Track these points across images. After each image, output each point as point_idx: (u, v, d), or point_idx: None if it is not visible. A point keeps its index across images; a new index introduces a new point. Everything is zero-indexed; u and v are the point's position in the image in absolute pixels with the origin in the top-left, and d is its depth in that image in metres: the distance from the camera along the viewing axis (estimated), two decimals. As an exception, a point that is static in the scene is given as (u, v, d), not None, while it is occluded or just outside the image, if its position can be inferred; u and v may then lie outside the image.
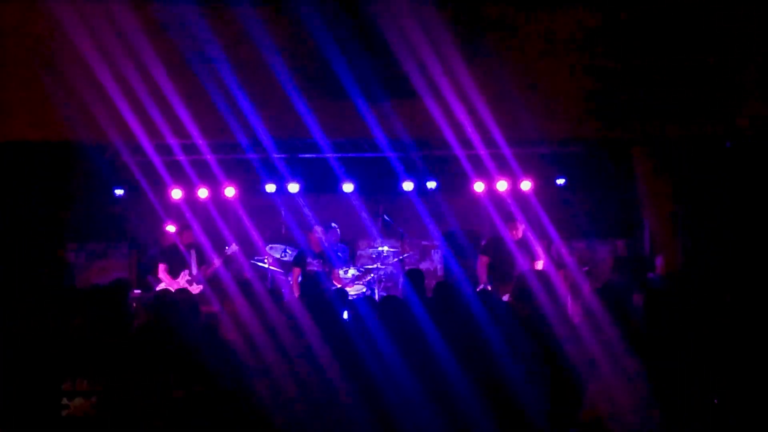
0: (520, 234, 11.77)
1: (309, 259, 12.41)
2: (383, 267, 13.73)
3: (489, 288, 11.36)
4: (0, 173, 8.50)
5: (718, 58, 8.53)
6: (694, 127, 8.67)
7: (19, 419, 5.72)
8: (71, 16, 8.10)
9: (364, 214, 14.26)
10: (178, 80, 8.43)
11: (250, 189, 13.57)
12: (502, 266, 11.57)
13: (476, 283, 11.64)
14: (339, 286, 12.24)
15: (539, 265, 11.59)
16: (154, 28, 8.23)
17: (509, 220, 11.93)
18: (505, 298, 9.40)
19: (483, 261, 11.83)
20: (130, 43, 8.20)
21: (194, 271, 12.12)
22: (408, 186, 13.62)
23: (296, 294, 12.13)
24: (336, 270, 12.58)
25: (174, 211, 13.21)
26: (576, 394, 6.07)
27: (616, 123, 8.64)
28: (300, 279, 12.40)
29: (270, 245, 13.88)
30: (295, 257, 12.74)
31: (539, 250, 11.77)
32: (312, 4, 8.24)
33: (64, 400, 5.68)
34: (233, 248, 12.35)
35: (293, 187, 13.37)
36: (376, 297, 13.03)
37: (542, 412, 6.02)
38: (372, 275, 13.37)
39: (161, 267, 12.12)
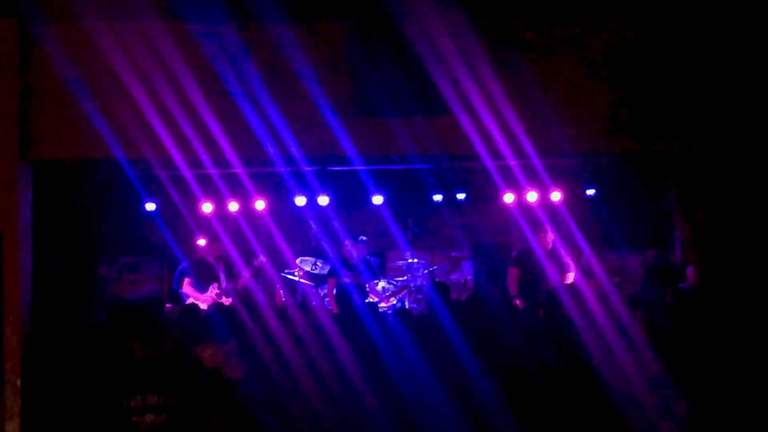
0: (549, 242, 11.76)
1: (343, 271, 12.45)
2: (413, 279, 13.75)
3: (519, 300, 11.36)
4: (35, 190, 8.56)
5: (748, 72, 8.49)
6: (726, 141, 8.63)
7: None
8: (106, 35, 8.18)
9: (393, 226, 14.29)
10: (210, 95, 8.48)
11: (280, 202, 13.62)
12: (532, 278, 11.56)
13: (507, 295, 11.64)
14: (374, 299, 12.29)
15: (570, 277, 11.57)
16: (188, 45, 8.29)
17: (538, 227, 11.92)
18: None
19: (513, 273, 11.82)
20: (163, 60, 8.26)
21: (223, 284, 12.19)
22: (437, 197, 13.63)
23: (332, 306, 12.17)
24: (371, 283, 12.62)
25: (205, 225, 13.29)
26: (606, 403, 6.07)
27: (646, 138, 8.61)
28: (335, 291, 12.44)
29: (300, 258, 13.93)
30: (330, 270, 12.78)
31: (569, 261, 11.74)
32: (345, 22, 8.28)
33: (134, 417, 5.72)
34: (261, 260, 12.40)
35: (323, 200, 13.42)
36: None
37: (571, 422, 6.03)
38: (405, 289, 13.39)
39: (186, 281, 12.20)
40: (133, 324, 6.42)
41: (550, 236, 11.78)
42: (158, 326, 6.57)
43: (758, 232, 9.57)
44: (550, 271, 11.51)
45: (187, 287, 12.17)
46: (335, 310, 11.82)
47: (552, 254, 11.68)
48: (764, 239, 9.53)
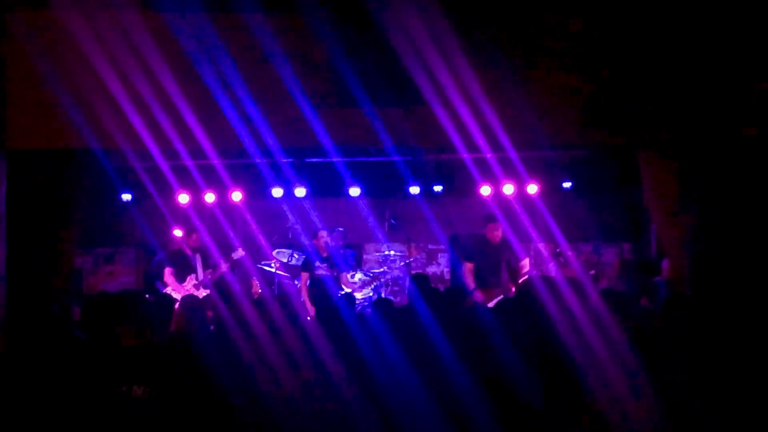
0: (498, 235, 11.74)
1: (317, 263, 12.42)
2: (390, 271, 13.75)
3: (478, 293, 11.33)
4: (9, 181, 8.51)
5: (724, 65, 8.57)
6: (699, 134, 8.71)
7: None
8: (80, 24, 8.14)
9: (370, 218, 14.29)
10: (186, 85, 8.46)
11: (257, 193, 13.58)
12: (486, 271, 11.54)
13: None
14: (347, 290, 12.27)
15: (526, 264, 11.61)
16: (163, 35, 8.27)
17: (490, 220, 11.89)
18: (491, 304, 9.38)
19: (468, 268, 11.77)
20: (138, 50, 8.23)
21: (200, 275, 12.14)
22: (414, 190, 13.63)
23: (305, 299, 12.15)
24: (344, 274, 12.59)
25: (181, 216, 13.23)
26: (579, 392, 6.10)
27: (619, 129, 8.67)
28: (308, 284, 12.42)
29: (277, 249, 13.91)
30: (303, 262, 12.77)
31: (523, 252, 11.78)
32: (321, 12, 8.27)
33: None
34: (240, 253, 12.36)
35: (300, 192, 13.39)
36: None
37: (546, 412, 6.05)
38: (379, 279, 13.39)
39: (168, 271, 12.13)
40: (120, 313, 6.39)
41: (499, 229, 11.76)
42: (144, 315, 6.56)
43: (735, 226, 9.62)
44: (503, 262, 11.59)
45: (168, 277, 12.11)
46: (308, 304, 11.81)
47: (504, 245, 11.69)
48: (741, 233, 9.58)
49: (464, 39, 8.24)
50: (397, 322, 7.12)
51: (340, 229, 13.32)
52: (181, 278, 12.09)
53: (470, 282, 11.66)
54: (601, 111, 8.60)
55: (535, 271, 11.54)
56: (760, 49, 8.63)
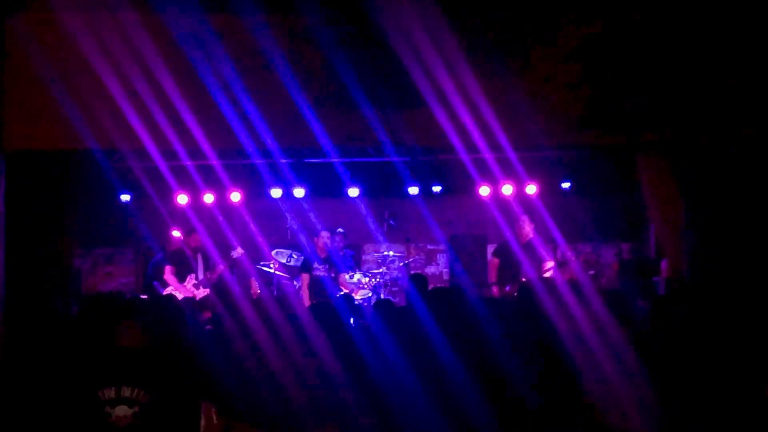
0: (527, 235, 11.80)
1: (315, 264, 12.41)
2: (389, 271, 13.75)
3: (495, 288, 11.50)
4: (8, 181, 8.51)
5: (723, 66, 8.58)
6: (697, 134, 8.71)
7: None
8: (80, 26, 8.15)
9: (369, 219, 14.29)
10: (185, 86, 8.46)
11: (256, 194, 13.58)
12: (511, 270, 11.64)
13: (483, 285, 11.73)
14: (345, 291, 12.27)
15: (548, 266, 11.62)
16: (162, 35, 8.27)
17: (517, 219, 11.98)
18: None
19: (494, 263, 11.94)
20: (137, 51, 8.24)
21: (200, 275, 12.14)
22: (413, 190, 13.63)
23: (306, 300, 12.13)
24: (342, 275, 12.59)
25: (180, 217, 13.23)
26: (577, 391, 6.10)
27: (618, 130, 8.68)
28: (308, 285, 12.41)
29: (276, 250, 13.90)
30: (303, 263, 12.75)
31: (547, 253, 11.79)
32: (320, 13, 8.27)
33: (107, 408, 5.69)
34: (239, 252, 12.35)
35: (299, 192, 13.39)
36: (382, 302, 13.04)
37: (545, 412, 6.05)
38: (378, 279, 13.39)
39: (168, 269, 12.11)
40: (118, 312, 6.37)
41: (528, 228, 11.83)
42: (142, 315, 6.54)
43: (733, 226, 9.63)
44: (526, 263, 11.57)
45: (169, 276, 12.10)
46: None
47: (529, 246, 11.73)
48: (739, 233, 9.59)
49: (463, 39, 8.24)
50: (397, 322, 7.13)
51: (341, 230, 13.33)
52: (181, 278, 12.10)
53: (492, 276, 11.83)
54: (600, 111, 8.61)
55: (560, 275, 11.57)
56: (760, 49, 8.64)
